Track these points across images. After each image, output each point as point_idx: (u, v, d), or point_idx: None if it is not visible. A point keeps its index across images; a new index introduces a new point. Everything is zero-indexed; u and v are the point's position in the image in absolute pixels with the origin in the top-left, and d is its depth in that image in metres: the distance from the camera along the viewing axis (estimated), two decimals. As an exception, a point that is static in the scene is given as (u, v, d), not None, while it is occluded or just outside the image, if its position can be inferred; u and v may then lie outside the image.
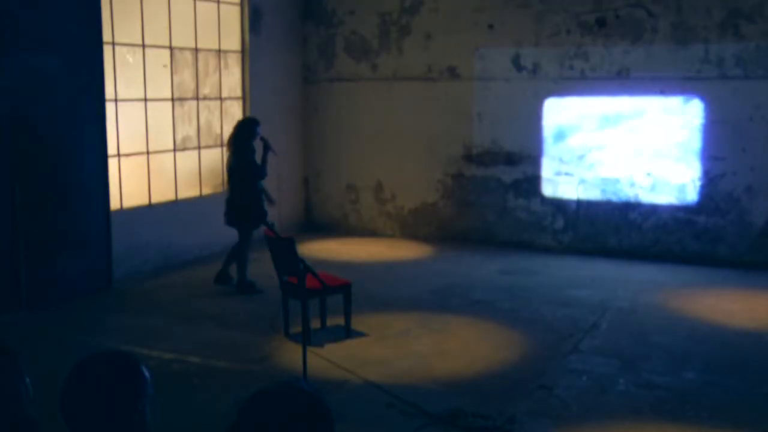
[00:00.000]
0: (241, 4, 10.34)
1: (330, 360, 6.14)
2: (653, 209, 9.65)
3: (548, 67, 9.93)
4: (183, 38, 9.57)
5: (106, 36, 8.31)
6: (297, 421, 1.88)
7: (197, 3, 9.73)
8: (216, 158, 10.18)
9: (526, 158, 10.19)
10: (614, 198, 9.83)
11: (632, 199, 9.74)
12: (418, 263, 9.60)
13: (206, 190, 10.04)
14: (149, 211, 9.08)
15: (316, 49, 11.27)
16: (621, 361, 6.15)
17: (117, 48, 8.63)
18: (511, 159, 10.27)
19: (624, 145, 9.68)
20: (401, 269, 9.27)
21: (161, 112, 9.35)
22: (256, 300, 7.82)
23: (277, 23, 10.86)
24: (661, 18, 9.32)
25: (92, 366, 2.14)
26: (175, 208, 9.42)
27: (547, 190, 10.15)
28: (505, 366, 6.12)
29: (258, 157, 8.09)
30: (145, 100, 9.08)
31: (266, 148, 8.08)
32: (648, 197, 9.66)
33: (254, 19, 10.43)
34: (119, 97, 8.68)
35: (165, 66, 9.39)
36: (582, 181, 9.95)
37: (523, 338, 6.75)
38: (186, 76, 9.70)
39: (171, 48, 9.41)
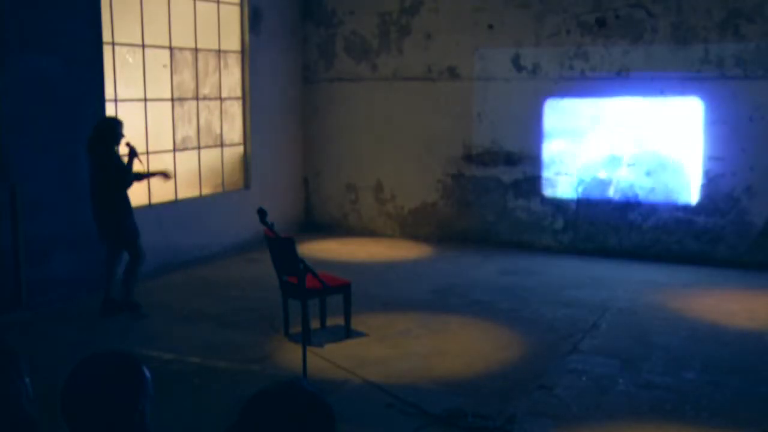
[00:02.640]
0: (241, 4, 10.34)
1: (330, 360, 6.14)
2: (653, 209, 9.65)
3: (548, 67, 9.93)
4: (183, 38, 9.56)
5: (106, 36, 8.31)
6: (299, 421, 1.88)
7: (197, 3, 9.72)
8: (216, 158, 10.18)
9: (526, 158, 10.19)
10: (614, 198, 9.83)
11: (632, 199, 9.74)
12: (418, 263, 9.60)
13: (206, 190, 10.04)
14: (149, 211, 9.06)
15: (316, 49, 11.27)
16: (621, 361, 6.15)
17: (117, 48, 8.63)
18: (510, 159, 10.27)
19: (624, 145, 9.68)
20: (401, 269, 9.27)
21: (161, 112, 9.34)
22: (256, 300, 7.81)
23: (277, 23, 10.86)
24: (661, 18, 9.33)
25: (92, 366, 2.14)
26: (175, 208, 9.42)
27: (547, 190, 10.15)
28: (505, 366, 6.12)
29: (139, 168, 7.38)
30: (145, 100, 9.08)
31: (132, 154, 7.22)
32: (648, 197, 9.66)
33: (254, 19, 10.43)
34: (119, 97, 8.68)
35: (165, 66, 9.39)
36: (582, 181, 9.95)
37: (523, 338, 6.75)
38: (186, 76, 9.70)
39: (171, 48, 9.41)
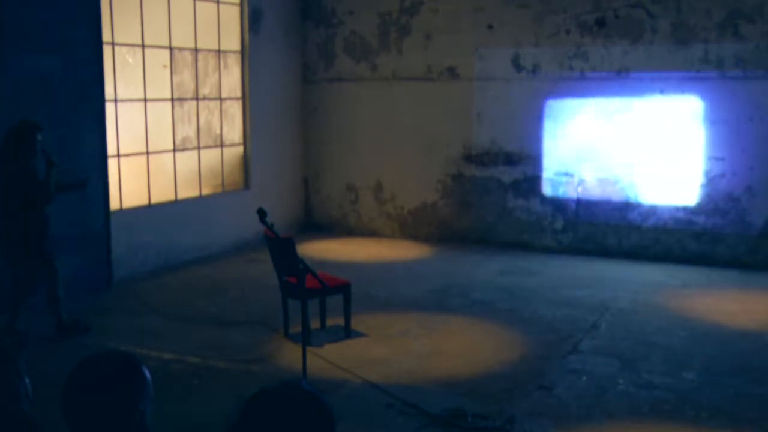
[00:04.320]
0: (241, 4, 10.34)
1: (330, 360, 6.14)
2: (653, 209, 9.65)
3: (548, 67, 9.93)
4: (183, 38, 9.57)
5: (106, 36, 8.31)
6: (298, 421, 1.88)
7: (197, 3, 9.73)
8: (216, 158, 10.18)
9: (525, 158, 10.19)
10: (614, 198, 9.83)
11: (632, 199, 9.74)
12: (418, 263, 9.60)
13: (206, 191, 10.04)
14: (149, 211, 9.08)
15: (316, 49, 11.27)
16: (621, 361, 6.15)
17: (117, 48, 8.64)
18: (510, 159, 10.27)
19: (624, 145, 9.68)
20: (401, 269, 9.27)
21: (161, 113, 9.35)
22: (256, 300, 7.81)
23: (277, 23, 10.87)
24: (661, 18, 9.32)
25: (93, 366, 2.15)
26: (175, 208, 9.43)
27: (547, 190, 10.15)
28: (505, 366, 6.12)
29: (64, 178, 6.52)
30: (145, 100, 9.08)
31: (49, 164, 6.32)
32: (648, 197, 9.66)
33: (254, 19, 10.43)
34: (119, 97, 8.68)
35: (165, 66, 9.39)
36: (582, 181, 9.95)
37: (523, 338, 6.75)
38: (186, 77, 9.70)
39: (171, 48, 9.41)
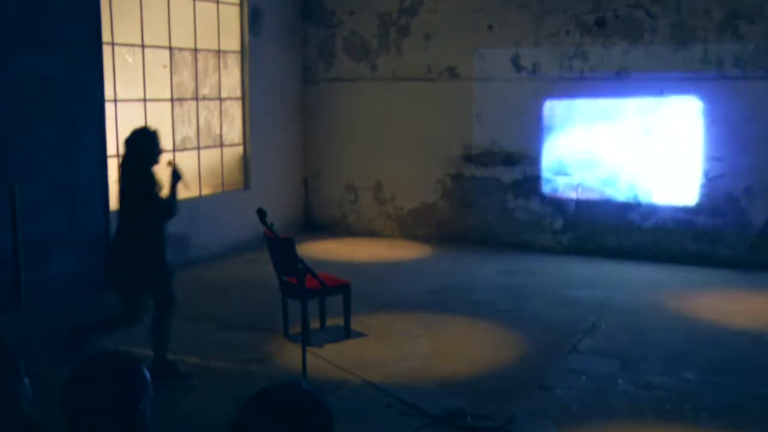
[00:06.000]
0: (241, 5, 10.34)
1: (330, 360, 6.14)
2: (653, 209, 9.65)
3: (548, 67, 9.93)
4: (182, 38, 9.56)
5: (106, 36, 8.31)
6: (298, 421, 1.88)
7: (197, 3, 9.72)
8: (215, 158, 10.18)
9: (525, 158, 10.19)
10: (614, 198, 9.83)
11: (632, 199, 9.74)
12: (417, 263, 9.60)
13: (206, 190, 10.04)
14: (149, 212, 9.06)
15: (315, 49, 11.27)
16: (621, 361, 6.15)
17: (117, 48, 8.64)
18: (510, 159, 10.27)
19: (623, 145, 9.68)
20: (401, 269, 9.27)
21: (161, 113, 9.34)
22: (256, 300, 7.81)
23: (277, 23, 10.86)
24: (661, 18, 9.32)
25: (93, 366, 2.14)
26: (174, 208, 9.41)
27: (547, 190, 10.15)
28: (505, 366, 6.12)
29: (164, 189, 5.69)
30: (145, 100, 9.08)
31: (175, 176, 5.70)
32: (648, 197, 9.66)
33: (254, 19, 10.43)
34: (119, 97, 8.68)
35: (164, 66, 9.39)
36: (581, 181, 9.95)
37: (523, 338, 6.75)
38: (185, 77, 9.70)
39: (170, 48, 9.41)
